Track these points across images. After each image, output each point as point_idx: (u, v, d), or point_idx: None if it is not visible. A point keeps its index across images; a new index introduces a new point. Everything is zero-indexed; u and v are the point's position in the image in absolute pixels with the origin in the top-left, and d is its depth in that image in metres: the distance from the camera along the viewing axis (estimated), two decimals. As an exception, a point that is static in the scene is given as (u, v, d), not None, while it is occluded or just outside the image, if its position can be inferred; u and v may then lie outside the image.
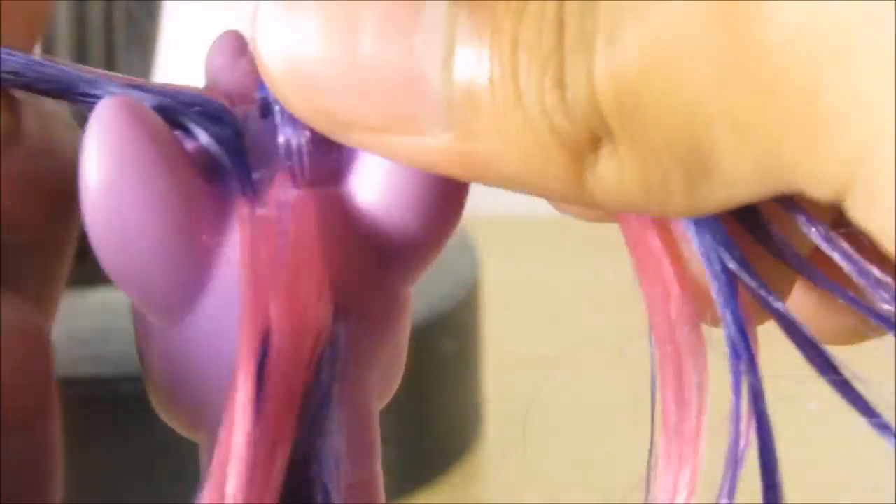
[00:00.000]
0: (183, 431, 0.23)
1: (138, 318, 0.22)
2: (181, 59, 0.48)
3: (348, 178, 0.22)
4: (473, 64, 0.19)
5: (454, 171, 0.20)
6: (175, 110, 0.21)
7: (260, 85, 0.22)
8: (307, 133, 0.22)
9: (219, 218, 0.21)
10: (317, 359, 0.21)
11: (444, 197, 0.22)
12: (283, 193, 0.22)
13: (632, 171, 0.19)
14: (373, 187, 0.22)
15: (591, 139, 0.19)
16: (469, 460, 0.56)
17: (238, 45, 0.23)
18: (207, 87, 0.23)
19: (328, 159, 0.22)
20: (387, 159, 0.21)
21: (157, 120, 0.21)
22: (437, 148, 0.20)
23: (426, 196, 0.22)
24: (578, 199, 0.20)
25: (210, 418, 0.21)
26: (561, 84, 0.19)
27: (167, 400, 0.22)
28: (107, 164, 0.20)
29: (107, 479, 0.47)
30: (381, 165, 0.22)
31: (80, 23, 0.41)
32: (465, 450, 0.56)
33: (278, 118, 0.22)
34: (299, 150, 0.22)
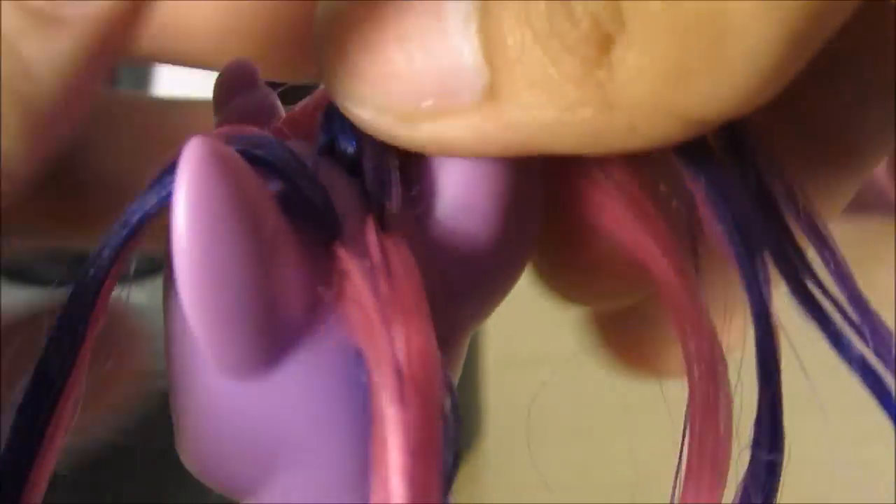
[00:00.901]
0: (227, 493, 0.21)
1: (184, 372, 0.21)
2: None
3: (420, 211, 0.22)
4: (490, 20, 0.19)
5: (502, 139, 0.20)
6: (255, 154, 0.20)
7: (326, 124, 0.22)
8: (396, 164, 0.21)
9: (309, 266, 0.20)
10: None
11: (519, 229, 0.22)
12: (379, 234, 0.21)
13: (649, 62, 0.19)
14: (447, 218, 0.21)
15: (604, 40, 0.19)
16: (469, 460, 0.56)
17: (249, 76, 0.23)
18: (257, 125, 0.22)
19: (407, 193, 0.21)
20: (433, 152, 0.21)
21: (244, 165, 0.20)
22: (481, 121, 0.19)
23: (501, 226, 0.22)
24: (611, 126, 0.19)
25: (276, 481, 0.20)
26: None
27: (216, 459, 0.21)
28: (197, 217, 0.19)
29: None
30: (455, 197, 0.21)
31: None
32: (465, 450, 0.56)
33: (364, 153, 0.21)
34: (388, 185, 0.21)
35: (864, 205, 0.77)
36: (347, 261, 0.20)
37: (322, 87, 0.23)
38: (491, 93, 0.20)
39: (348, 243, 0.21)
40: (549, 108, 0.19)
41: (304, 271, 0.20)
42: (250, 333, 0.20)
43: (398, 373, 0.19)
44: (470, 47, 0.19)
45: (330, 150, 0.22)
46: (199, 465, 0.21)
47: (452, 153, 0.21)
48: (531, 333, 0.65)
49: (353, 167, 0.22)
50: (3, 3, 0.20)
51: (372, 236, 0.21)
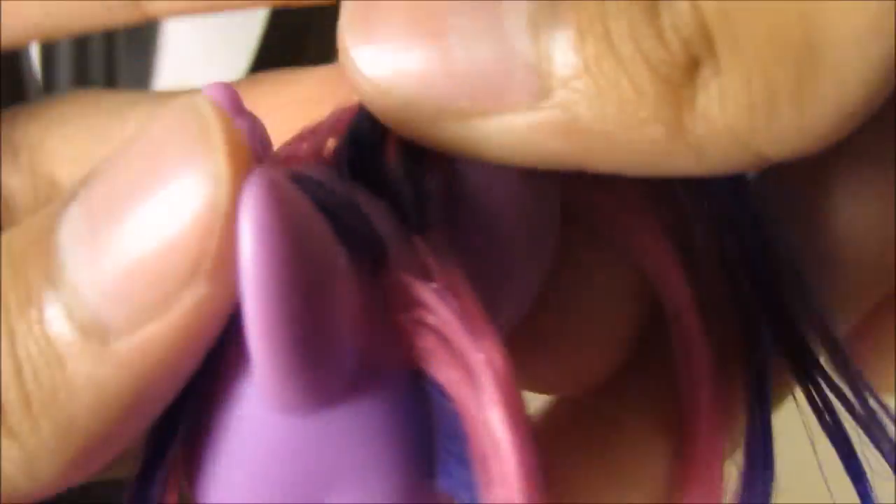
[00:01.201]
0: None
1: (232, 412, 0.21)
2: (182, 60, 0.48)
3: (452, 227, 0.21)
4: (559, 24, 0.18)
5: (550, 146, 0.19)
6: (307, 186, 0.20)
7: (351, 144, 0.22)
8: (431, 181, 0.21)
9: (363, 295, 0.20)
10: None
11: (541, 243, 0.22)
12: (433, 255, 0.21)
13: (735, 91, 0.18)
14: (477, 231, 0.21)
15: (689, 64, 0.18)
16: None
17: (233, 103, 0.22)
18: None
19: (441, 211, 0.21)
20: (476, 155, 0.20)
21: (303, 199, 0.20)
22: (530, 125, 0.19)
23: (525, 237, 0.22)
24: (679, 150, 0.19)
25: None
26: (653, 12, 0.18)
27: (259, 497, 0.21)
28: (265, 250, 0.19)
29: None
30: (483, 209, 0.21)
31: (81, 60, 0.42)
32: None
33: (397, 171, 0.21)
34: (426, 203, 0.21)
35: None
36: (416, 287, 0.20)
37: (334, 111, 0.23)
38: (547, 98, 0.19)
39: (399, 268, 0.21)
40: (614, 122, 0.19)
41: (360, 301, 0.20)
42: (315, 365, 0.20)
43: (504, 396, 0.19)
44: (530, 49, 0.19)
45: (352, 170, 0.22)
46: (228, 493, 0.21)
47: (490, 157, 0.20)
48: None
49: (377, 186, 0.22)
50: (50, 313, 0.19)
51: (430, 259, 0.21)
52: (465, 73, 0.19)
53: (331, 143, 0.22)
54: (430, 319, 0.20)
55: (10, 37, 0.25)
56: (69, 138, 0.26)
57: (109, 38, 0.41)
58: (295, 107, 0.25)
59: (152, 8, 0.25)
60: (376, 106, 0.20)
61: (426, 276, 0.20)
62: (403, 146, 0.21)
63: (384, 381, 0.20)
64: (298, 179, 0.20)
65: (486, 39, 0.19)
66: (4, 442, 0.19)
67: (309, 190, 0.20)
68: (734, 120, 0.19)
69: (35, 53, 0.37)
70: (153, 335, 0.19)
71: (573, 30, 0.19)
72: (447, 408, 0.20)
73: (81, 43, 0.40)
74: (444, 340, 0.20)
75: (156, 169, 0.19)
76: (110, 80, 0.43)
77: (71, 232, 0.19)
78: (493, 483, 0.19)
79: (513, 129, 0.19)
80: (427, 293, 0.20)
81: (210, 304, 0.19)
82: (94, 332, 0.19)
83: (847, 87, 0.18)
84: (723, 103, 0.19)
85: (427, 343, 0.20)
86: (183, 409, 0.21)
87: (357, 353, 0.20)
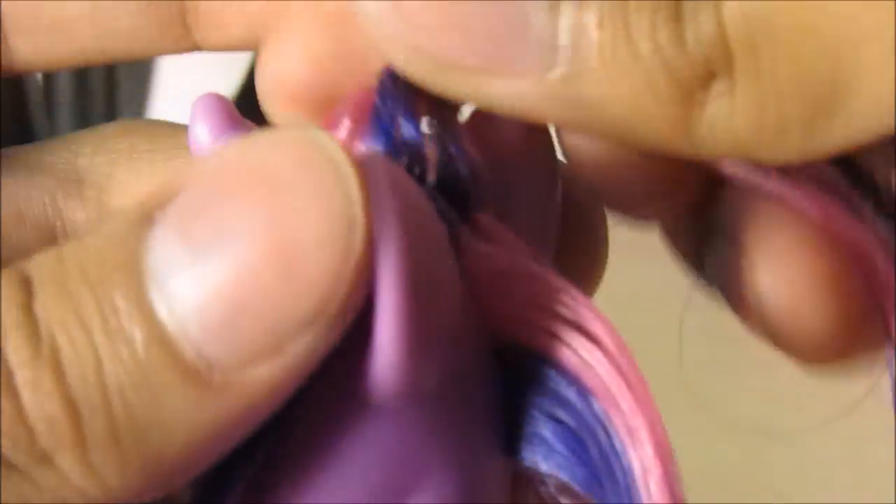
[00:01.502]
0: None
1: (328, 405, 0.20)
2: (181, 60, 0.48)
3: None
4: (580, 5, 0.18)
5: (553, 114, 0.19)
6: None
7: (382, 128, 0.21)
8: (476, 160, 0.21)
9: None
10: None
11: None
12: (496, 230, 0.20)
13: (746, 109, 0.18)
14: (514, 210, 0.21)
15: (706, 75, 0.18)
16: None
17: (228, 114, 0.22)
18: None
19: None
20: (482, 106, 0.21)
21: (408, 178, 0.19)
22: (538, 91, 0.19)
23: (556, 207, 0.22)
24: (679, 143, 0.19)
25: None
26: (677, 16, 0.18)
27: (350, 490, 0.20)
28: (399, 235, 0.18)
29: None
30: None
31: (81, 93, 0.42)
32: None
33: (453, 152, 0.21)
34: (480, 180, 0.21)
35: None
36: (506, 259, 0.20)
37: (347, 98, 0.23)
38: (554, 71, 0.19)
39: (475, 243, 0.20)
40: (620, 107, 0.19)
41: (458, 279, 0.20)
42: (431, 344, 0.19)
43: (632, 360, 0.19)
44: (545, 23, 0.19)
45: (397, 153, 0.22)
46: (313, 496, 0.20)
47: (498, 112, 0.20)
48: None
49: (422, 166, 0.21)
50: (145, 343, 0.18)
51: (498, 233, 0.20)
52: (476, 34, 0.19)
53: (349, 126, 0.22)
54: (527, 289, 0.20)
55: (59, 58, 0.24)
56: (142, 173, 0.25)
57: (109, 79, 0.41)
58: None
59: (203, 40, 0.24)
60: (387, 49, 0.20)
61: (500, 250, 0.20)
62: (435, 114, 0.21)
63: (469, 364, 0.20)
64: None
65: (502, 6, 0.19)
66: (82, 476, 0.18)
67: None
68: (741, 133, 0.19)
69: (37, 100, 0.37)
70: (261, 376, 0.18)
71: (593, 14, 0.19)
72: (552, 377, 0.20)
73: (82, 95, 0.40)
74: (546, 309, 0.20)
75: (280, 203, 0.18)
76: (109, 79, 0.43)
77: (167, 256, 0.18)
78: (637, 432, 0.19)
79: (519, 94, 0.19)
80: (520, 261, 0.20)
81: (325, 347, 0.18)
82: (195, 368, 0.18)
83: (860, 125, 0.18)
84: (733, 118, 0.19)
85: (524, 313, 0.20)
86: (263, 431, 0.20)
87: (457, 334, 0.20)
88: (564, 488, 0.19)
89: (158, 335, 0.17)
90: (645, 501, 0.18)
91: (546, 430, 0.19)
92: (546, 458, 0.19)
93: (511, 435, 0.20)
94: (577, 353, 0.19)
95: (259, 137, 0.18)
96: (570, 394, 0.19)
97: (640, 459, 0.18)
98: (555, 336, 0.19)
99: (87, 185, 0.24)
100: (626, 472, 0.18)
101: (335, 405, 0.19)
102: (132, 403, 0.17)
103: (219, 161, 0.18)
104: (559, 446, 0.19)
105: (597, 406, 0.19)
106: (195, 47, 0.23)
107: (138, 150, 0.25)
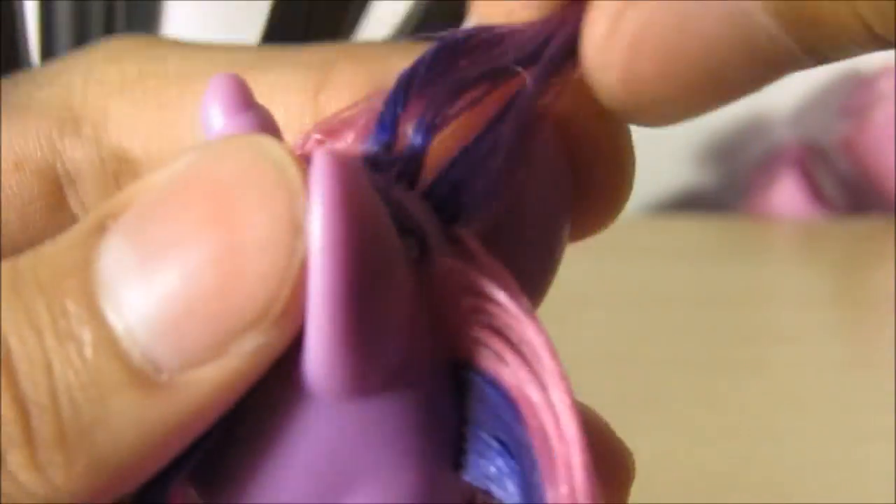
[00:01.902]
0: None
1: (275, 394, 0.20)
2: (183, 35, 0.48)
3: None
4: None
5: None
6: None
7: (382, 135, 0.21)
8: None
9: (412, 287, 0.20)
10: None
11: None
12: (473, 246, 0.20)
13: None
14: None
15: None
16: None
17: (242, 96, 0.22)
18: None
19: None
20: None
21: (365, 177, 0.19)
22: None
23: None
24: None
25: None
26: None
27: (283, 484, 0.20)
28: (335, 230, 0.18)
29: None
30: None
31: (80, 18, 0.42)
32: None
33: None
34: (464, 192, 0.21)
35: (864, 205, 0.77)
36: (465, 275, 0.20)
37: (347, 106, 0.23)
38: None
39: (442, 258, 0.20)
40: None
41: (411, 290, 0.20)
42: (369, 348, 0.19)
43: (565, 382, 0.19)
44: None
45: (374, 164, 0.22)
46: (257, 489, 0.20)
47: None
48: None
49: (412, 178, 0.22)
50: (94, 347, 0.19)
51: (473, 249, 0.21)
52: None
53: (348, 137, 0.22)
54: (481, 307, 0.20)
55: None
56: (139, 106, 0.25)
57: (109, 13, 0.41)
58: (297, 90, 0.25)
59: None
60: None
61: (470, 266, 0.20)
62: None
63: (421, 373, 0.20)
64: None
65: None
66: (29, 475, 0.19)
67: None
68: None
69: (33, 29, 0.37)
70: (206, 377, 0.18)
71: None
72: (494, 397, 0.20)
73: (81, 20, 0.39)
74: (496, 329, 0.20)
75: (224, 210, 0.18)
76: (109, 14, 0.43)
77: (117, 263, 0.18)
78: (558, 469, 0.19)
79: None
80: (480, 280, 0.20)
81: (271, 349, 0.19)
82: (142, 370, 0.18)
83: None
84: None
85: (477, 332, 0.20)
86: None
87: (405, 341, 0.20)
88: None
89: (107, 338, 0.18)
90: None
91: (489, 449, 0.20)
92: (487, 477, 0.20)
93: (460, 450, 0.20)
94: (517, 378, 0.19)
95: (209, 146, 0.19)
96: (508, 417, 0.19)
97: (554, 499, 0.18)
98: (502, 360, 0.19)
99: (84, 123, 0.24)
100: None
101: (279, 396, 0.19)
102: (80, 404, 0.18)
103: (169, 171, 0.19)
104: (497, 466, 0.19)
105: (526, 436, 0.19)
106: None
107: (129, 79, 0.25)
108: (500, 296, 0.19)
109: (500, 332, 0.20)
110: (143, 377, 0.18)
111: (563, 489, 0.19)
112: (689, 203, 0.80)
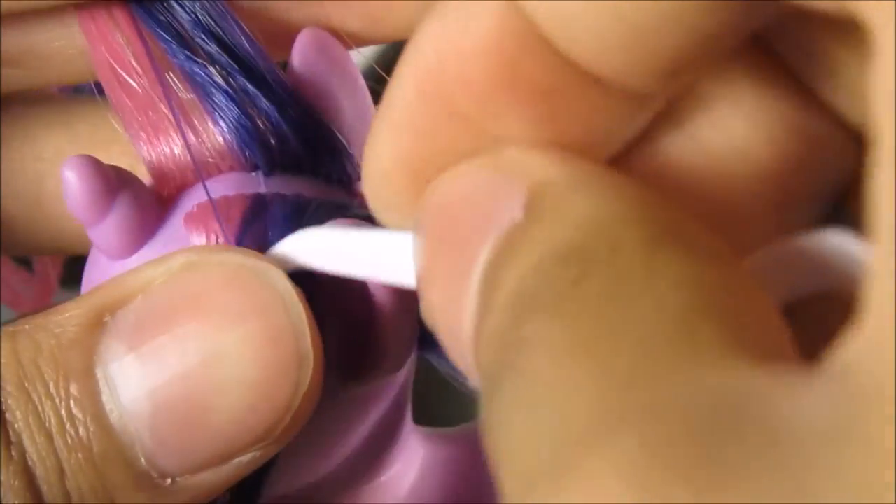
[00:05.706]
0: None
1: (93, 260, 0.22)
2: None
3: None
4: None
5: None
6: None
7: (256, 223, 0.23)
8: None
9: None
10: None
11: None
12: None
13: None
14: None
15: None
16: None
17: (318, 43, 0.24)
18: None
19: None
20: None
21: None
22: None
23: None
24: None
25: None
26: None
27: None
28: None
29: None
30: None
31: None
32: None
33: None
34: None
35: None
36: None
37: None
38: None
39: None
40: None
41: None
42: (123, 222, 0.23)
43: None
44: None
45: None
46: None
47: None
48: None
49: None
50: (103, 455, 0.20)
51: None
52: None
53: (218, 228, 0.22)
54: None
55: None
56: None
57: None
58: None
59: None
60: None
61: None
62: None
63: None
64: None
65: None
66: None
67: None
68: None
69: None
70: (206, 481, 0.20)
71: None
72: None
73: None
74: None
75: (227, 338, 0.20)
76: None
77: (120, 370, 0.20)
78: None
79: None
80: None
81: (267, 456, 0.20)
82: (147, 473, 0.20)
83: None
84: None
85: None
86: None
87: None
88: None
89: (114, 448, 0.19)
90: None
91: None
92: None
93: None
94: None
95: (212, 260, 0.20)
96: None
97: None
98: None
99: None
100: None
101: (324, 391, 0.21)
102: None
103: (169, 280, 0.20)
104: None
105: None
106: None
107: None
108: None
109: None
110: (148, 479, 0.20)
111: None
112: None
